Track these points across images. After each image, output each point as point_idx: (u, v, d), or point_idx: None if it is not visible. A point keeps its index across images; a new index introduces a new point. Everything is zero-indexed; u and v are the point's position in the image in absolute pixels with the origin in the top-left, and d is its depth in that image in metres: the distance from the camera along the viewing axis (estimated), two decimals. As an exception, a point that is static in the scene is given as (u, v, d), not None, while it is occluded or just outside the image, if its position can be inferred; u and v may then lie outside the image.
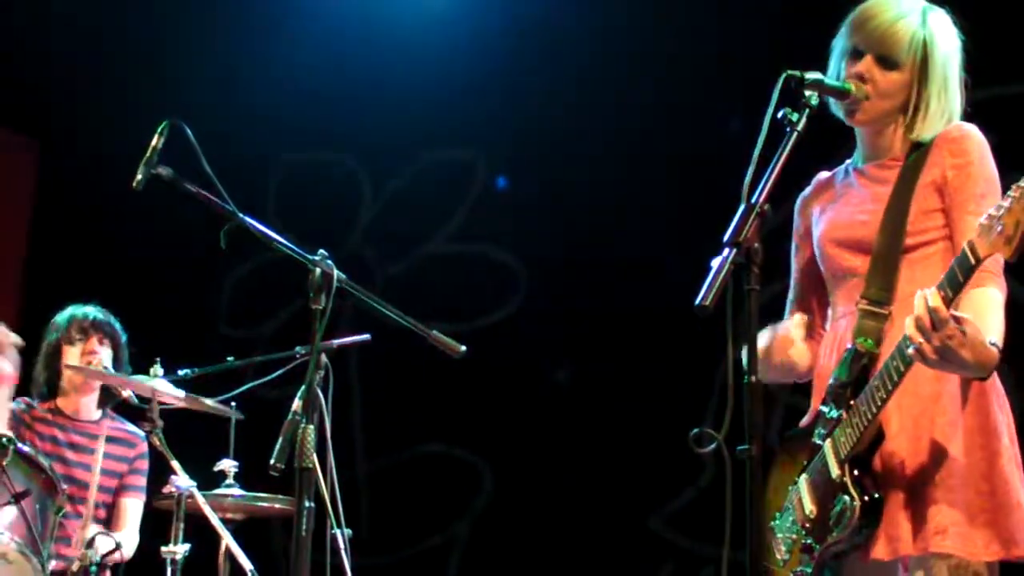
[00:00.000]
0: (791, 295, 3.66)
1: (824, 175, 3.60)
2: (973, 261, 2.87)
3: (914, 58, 3.32)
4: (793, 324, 3.60)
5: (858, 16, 3.38)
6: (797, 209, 3.63)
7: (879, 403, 3.11)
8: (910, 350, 2.96)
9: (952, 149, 3.29)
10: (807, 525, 3.32)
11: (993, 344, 3.01)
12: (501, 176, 7.53)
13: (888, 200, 3.31)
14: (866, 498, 3.15)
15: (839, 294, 3.44)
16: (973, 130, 3.33)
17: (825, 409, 3.33)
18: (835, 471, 3.22)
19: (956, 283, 2.91)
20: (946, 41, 3.37)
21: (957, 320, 2.90)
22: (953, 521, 3.09)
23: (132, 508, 5.83)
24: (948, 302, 2.90)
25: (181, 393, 5.24)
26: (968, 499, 3.12)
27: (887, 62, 3.32)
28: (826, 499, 3.26)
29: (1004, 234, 2.80)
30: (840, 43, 3.40)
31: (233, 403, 5.36)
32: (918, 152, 3.33)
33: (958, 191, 3.25)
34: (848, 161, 3.54)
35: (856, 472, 3.18)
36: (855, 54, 3.34)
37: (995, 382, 3.24)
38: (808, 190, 3.61)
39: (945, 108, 3.35)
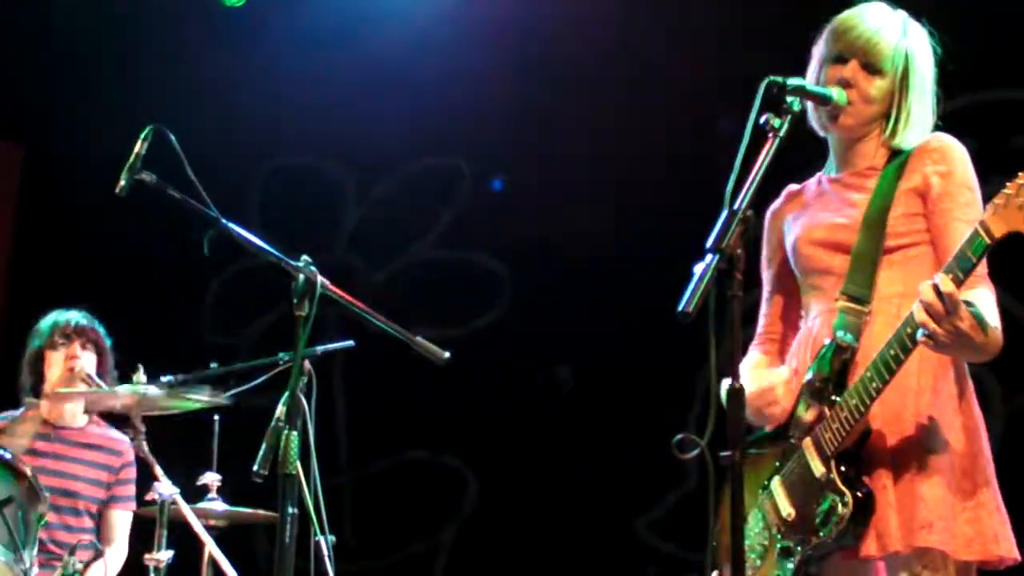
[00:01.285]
0: (764, 308, 3.68)
1: (794, 187, 3.63)
2: (988, 240, 2.91)
3: (896, 67, 3.36)
4: (780, 379, 3.56)
5: (841, 24, 3.42)
6: (767, 221, 3.65)
7: (872, 395, 3.13)
8: (920, 335, 2.97)
9: (934, 158, 3.33)
10: (783, 528, 3.32)
11: (995, 328, 3.07)
12: (497, 180, 7.52)
13: (868, 203, 3.35)
14: (858, 494, 3.16)
15: (814, 295, 3.46)
16: (953, 140, 3.39)
17: (802, 407, 3.34)
18: (819, 469, 3.23)
19: (969, 265, 2.94)
20: (925, 53, 3.44)
21: (968, 303, 2.94)
22: (939, 516, 3.11)
23: (121, 521, 5.80)
24: (959, 284, 2.94)
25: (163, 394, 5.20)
26: (952, 496, 3.14)
27: (871, 68, 3.36)
28: (808, 499, 3.26)
29: (1022, 207, 2.83)
30: (821, 50, 3.44)
31: (215, 416, 5.35)
32: (897, 160, 3.37)
33: (943, 198, 3.29)
34: (819, 174, 3.56)
35: (843, 468, 3.19)
36: (838, 60, 3.38)
37: (971, 385, 3.28)
38: (778, 202, 3.64)
39: (924, 117, 3.42)
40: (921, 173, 3.32)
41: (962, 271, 2.94)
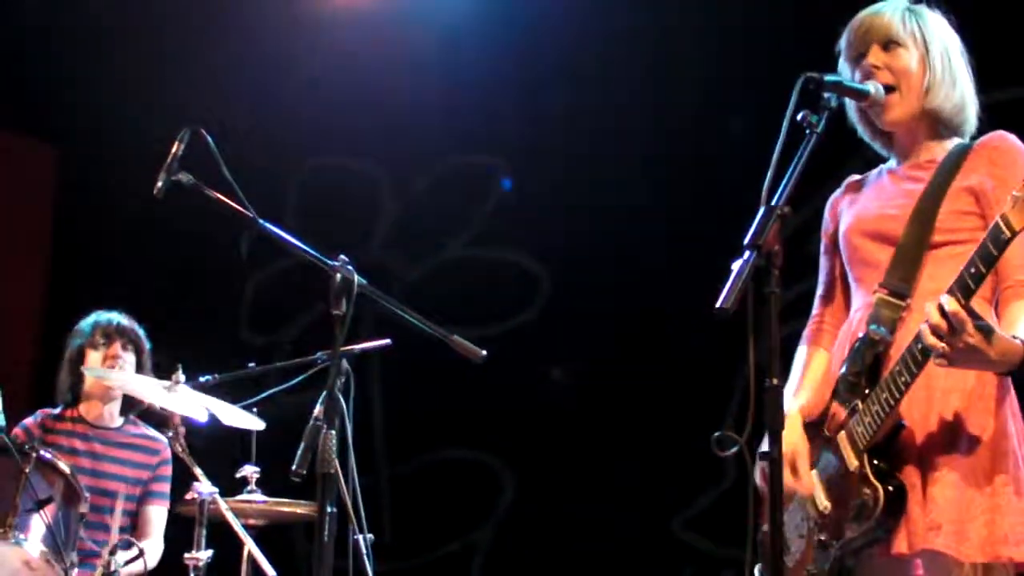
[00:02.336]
0: (820, 291, 3.67)
1: (855, 177, 3.62)
2: (1008, 234, 2.89)
3: (913, 35, 3.38)
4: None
5: (848, 30, 3.46)
6: (827, 209, 3.65)
7: (902, 388, 3.12)
8: (933, 356, 2.97)
9: (993, 157, 3.30)
10: (820, 521, 3.31)
11: (1016, 338, 3.02)
12: (506, 179, 7.53)
13: (920, 196, 3.32)
14: (889, 488, 3.15)
15: (859, 287, 3.45)
16: (1013, 139, 3.35)
17: (837, 401, 3.33)
18: (853, 463, 3.22)
19: (990, 257, 2.93)
20: (936, 19, 3.45)
21: (974, 317, 2.92)
22: (948, 518, 3.09)
23: (157, 516, 5.83)
24: (981, 277, 2.93)
25: (204, 415, 5.21)
26: (968, 497, 3.11)
27: (890, 44, 3.37)
28: (843, 493, 3.25)
29: None
30: (844, 64, 3.44)
31: (255, 408, 5.36)
32: (956, 155, 3.35)
33: (1000, 201, 3.21)
34: (883, 165, 3.55)
35: (876, 462, 3.18)
36: (860, 58, 3.38)
37: (1011, 386, 3.25)
38: (839, 191, 3.64)
39: (953, 76, 3.39)
40: (978, 173, 3.28)
41: (984, 264, 2.93)
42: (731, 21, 6.69)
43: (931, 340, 2.95)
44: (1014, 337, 3.03)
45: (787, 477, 3.36)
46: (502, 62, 7.17)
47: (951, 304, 2.91)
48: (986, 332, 2.95)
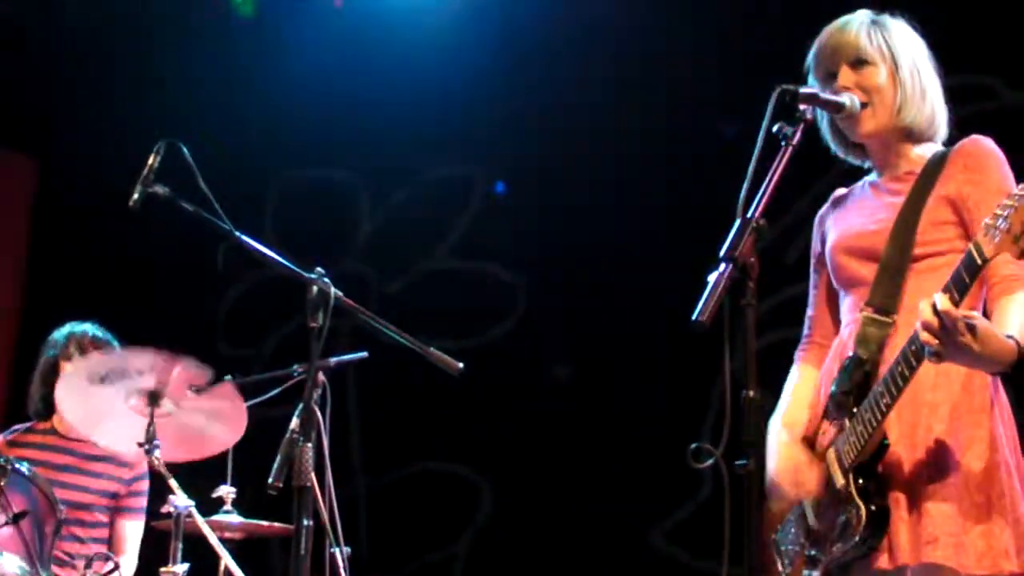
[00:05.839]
0: (810, 310, 3.66)
1: (840, 191, 3.62)
2: (980, 261, 2.89)
3: (880, 50, 3.37)
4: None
5: (816, 48, 3.45)
6: (815, 227, 3.65)
7: (883, 410, 3.12)
8: (926, 353, 2.96)
9: (967, 163, 3.29)
10: (811, 537, 3.32)
11: (1010, 337, 3.02)
12: (499, 183, 7.52)
13: (900, 210, 3.32)
14: (872, 507, 3.15)
15: (847, 304, 3.45)
16: (987, 143, 3.34)
17: (828, 419, 3.33)
18: (839, 481, 3.23)
19: (963, 285, 2.93)
20: (902, 30, 3.44)
21: (967, 318, 2.92)
22: (945, 531, 3.09)
23: (131, 531, 5.78)
24: (955, 304, 2.92)
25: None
26: (963, 510, 3.11)
27: (858, 62, 3.37)
28: (831, 510, 3.26)
29: (1011, 232, 2.81)
30: (815, 82, 3.44)
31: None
32: (933, 165, 3.34)
33: (979, 207, 3.23)
34: (866, 177, 3.56)
35: (861, 481, 3.19)
36: (831, 76, 3.38)
37: (1000, 394, 3.25)
38: (825, 207, 3.64)
39: (924, 88, 3.39)
40: (955, 180, 3.28)
41: (958, 291, 2.93)
42: (715, 24, 6.70)
43: (925, 337, 2.94)
44: (1008, 337, 3.02)
45: (792, 488, 3.37)
46: (483, 70, 7.17)
47: (944, 303, 2.91)
48: (978, 331, 2.94)
